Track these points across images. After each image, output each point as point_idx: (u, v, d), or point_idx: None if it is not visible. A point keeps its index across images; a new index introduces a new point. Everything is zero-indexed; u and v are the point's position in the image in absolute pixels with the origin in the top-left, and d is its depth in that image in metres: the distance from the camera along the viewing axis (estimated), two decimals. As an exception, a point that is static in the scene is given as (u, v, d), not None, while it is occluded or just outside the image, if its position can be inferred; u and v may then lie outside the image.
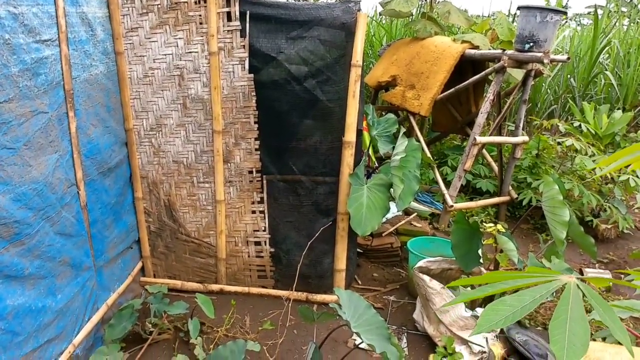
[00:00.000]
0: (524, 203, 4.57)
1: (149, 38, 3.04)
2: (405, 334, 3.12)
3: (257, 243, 3.40)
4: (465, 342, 2.81)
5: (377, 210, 3.04)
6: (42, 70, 2.23)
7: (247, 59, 3.00)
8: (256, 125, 3.14)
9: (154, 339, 2.93)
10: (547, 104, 7.10)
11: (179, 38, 3.02)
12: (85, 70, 2.64)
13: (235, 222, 3.37)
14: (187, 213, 3.38)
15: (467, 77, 4.01)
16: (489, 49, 3.92)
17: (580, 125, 4.97)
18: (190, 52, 3.04)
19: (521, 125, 3.64)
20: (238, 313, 3.25)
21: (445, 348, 2.77)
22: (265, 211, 3.32)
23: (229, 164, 3.24)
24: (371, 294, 3.55)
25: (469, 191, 5.22)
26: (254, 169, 3.24)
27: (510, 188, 3.82)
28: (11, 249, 2.05)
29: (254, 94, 3.07)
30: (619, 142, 5.24)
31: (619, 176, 4.59)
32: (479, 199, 4.55)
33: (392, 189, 3.08)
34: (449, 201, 3.48)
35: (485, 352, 2.74)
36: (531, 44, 3.24)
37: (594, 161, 4.48)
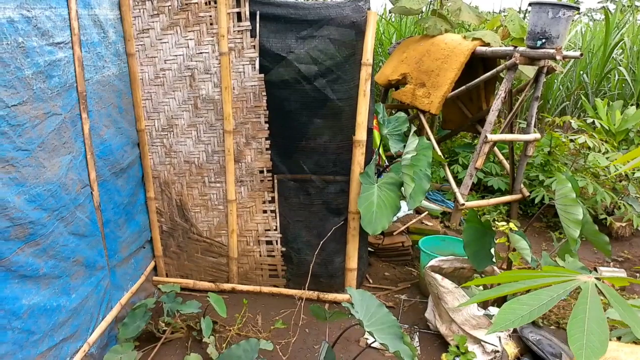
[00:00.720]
0: (537, 201, 4.53)
1: (160, 39, 3.06)
2: (417, 333, 3.11)
3: (269, 242, 3.41)
4: (477, 341, 2.79)
5: (388, 209, 3.03)
6: (55, 73, 2.26)
7: (258, 58, 3.01)
8: (267, 125, 3.15)
9: (167, 338, 2.95)
10: (559, 100, 7.02)
11: (190, 39, 3.04)
12: (97, 72, 2.66)
13: (246, 222, 3.38)
14: (198, 213, 3.40)
15: (478, 74, 3.99)
16: (500, 46, 3.88)
17: (593, 122, 4.91)
18: (201, 53, 3.05)
19: (533, 122, 3.61)
20: (250, 312, 3.26)
21: (457, 347, 2.76)
22: (276, 210, 3.32)
23: (240, 164, 3.25)
24: (382, 293, 3.54)
25: (481, 189, 5.19)
26: (264, 169, 3.25)
27: (522, 186, 3.80)
28: (26, 249, 2.08)
29: (264, 93, 3.07)
30: (632, 138, 5.17)
31: (633, 173, 4.52)
32: (491, 197, 4.52)
33: (403, 188, 3.07)
34: (460, 199, 3.46)
35: (498, 351, 2.72)
36: (543, 40, 3.21)
37: (607, 158, 4.42)
